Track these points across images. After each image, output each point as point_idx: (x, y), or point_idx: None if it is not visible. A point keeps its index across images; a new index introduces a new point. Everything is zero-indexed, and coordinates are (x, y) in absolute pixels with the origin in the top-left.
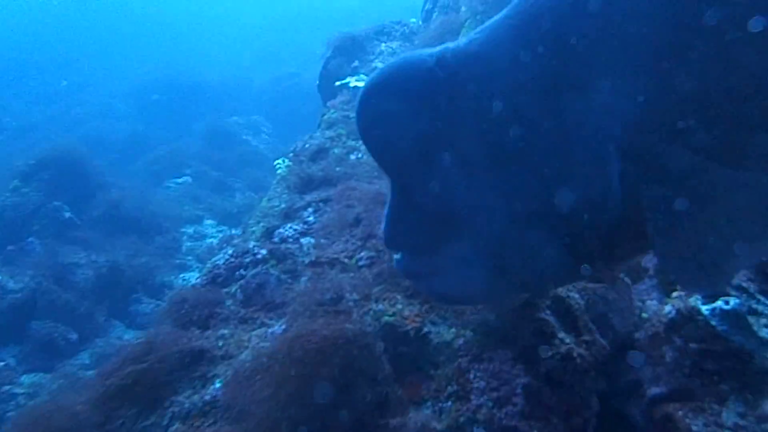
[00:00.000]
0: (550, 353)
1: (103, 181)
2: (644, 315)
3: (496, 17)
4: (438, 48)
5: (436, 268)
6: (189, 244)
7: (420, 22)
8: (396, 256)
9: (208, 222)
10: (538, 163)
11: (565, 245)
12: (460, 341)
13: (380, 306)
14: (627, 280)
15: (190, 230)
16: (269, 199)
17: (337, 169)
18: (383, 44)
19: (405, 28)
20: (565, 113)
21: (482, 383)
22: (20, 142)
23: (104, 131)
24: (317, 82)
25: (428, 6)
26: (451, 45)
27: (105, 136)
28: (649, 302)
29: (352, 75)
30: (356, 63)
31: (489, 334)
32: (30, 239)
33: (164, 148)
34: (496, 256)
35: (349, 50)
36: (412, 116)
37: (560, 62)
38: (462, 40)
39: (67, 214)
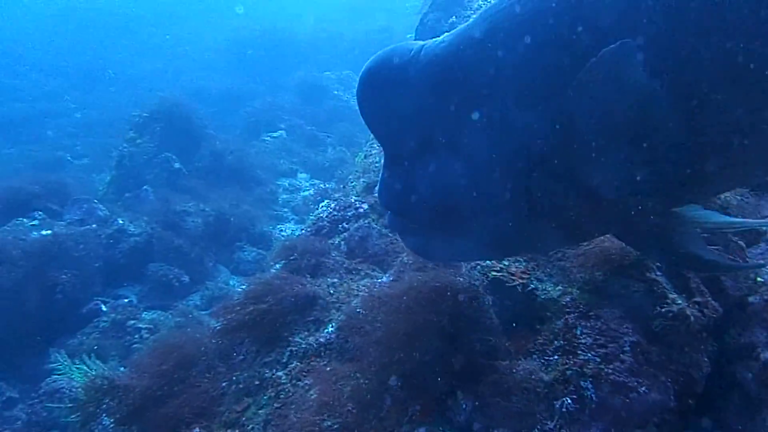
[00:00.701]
0: (660, 312)
1: (207, 133)
2: (759, 279)
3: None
4: (420, 43)
5: (410, 228)
6: (284, 196)
7: None
8: (388, 214)
9: (302, 176)
10: (475, 155)
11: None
12: (567, 298)
13: (487, 261)
14: (741, 243)
15: (285, 183)
16: (366, 156)
17: None
18: None
19: None
20: (492, 122)
21: (589, 339)
22: (129, 93)
23: (204, 84)
24: (408, 35)
25: None
26: (429, 43)
27: (204, 88)
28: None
29: (449, 30)
30: (454, 18)
31: (596, 292)
32: (144, 187)
33: (259, 102)
34: (444, 225)
35: (447, 5)
36: (387, 101)
37: (487, 81)
38: (438, 39)
39: (176, 165)
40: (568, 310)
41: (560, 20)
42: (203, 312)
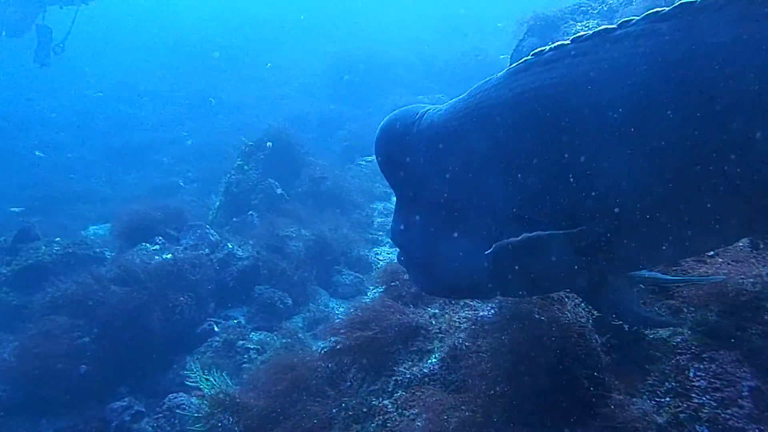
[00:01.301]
0: None
1: (307, 159)
2: None
3: (459, 97)
4: (426, 107)
5: (412, 263)
6: (380, 219)
7: None
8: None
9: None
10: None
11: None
12: (678, 339)
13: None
14: None
15: (380, 206)
16: None
17: None
18: (579, 24)
19: (603, 5)
20: (461, 185)
21: (703, 382)
22: (235, 120)
23: (303, 110)
24: (502, 56)
25: None
26: (430, 109)
27: (304, 114)
28: None
29: None
30: (550, 44)
31: (709, 333)
32: (250, 212)
33: (355, 125)
34: (436, 266)
35: (543, 32)
36: (394, 155)
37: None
38: (438, 107)
39: (279, 190)
40: (679, 351)
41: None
42: (306, 333)
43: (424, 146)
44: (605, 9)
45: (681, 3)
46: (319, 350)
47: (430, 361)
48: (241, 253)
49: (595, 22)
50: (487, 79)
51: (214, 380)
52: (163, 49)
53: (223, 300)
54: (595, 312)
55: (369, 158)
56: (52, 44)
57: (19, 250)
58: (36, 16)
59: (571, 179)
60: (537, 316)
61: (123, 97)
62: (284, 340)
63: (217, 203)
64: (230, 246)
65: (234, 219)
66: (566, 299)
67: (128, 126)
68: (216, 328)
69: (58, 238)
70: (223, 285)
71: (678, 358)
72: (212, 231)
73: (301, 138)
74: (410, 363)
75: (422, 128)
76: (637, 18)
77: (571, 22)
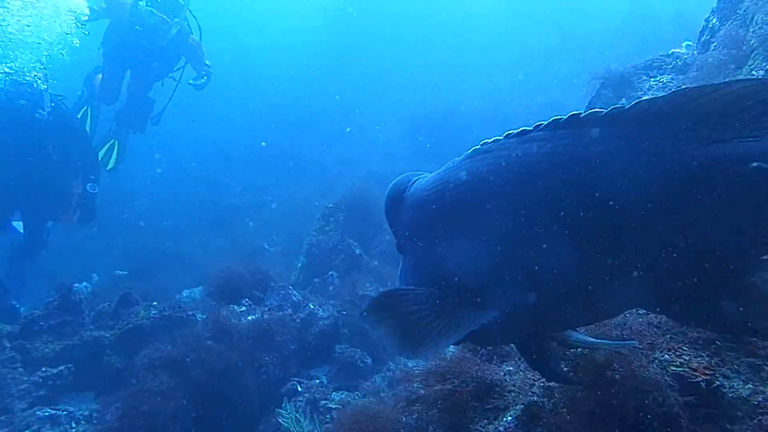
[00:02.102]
0: None
1: (383, 218)
2: None
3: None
4: (420, 176)
5: None
6: None
7: (695, 51)
8: None
9: None
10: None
11: None
12: (759, 398)
13: (666, 356)
14: None
15: None
16: None
17: None
18: (652, 79)
19: (677, 60)
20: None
21: None
22: (317, 182)
23: (381, 170)
24: (578, 111)
25: (706, 36)
26: (423, 176)
27: (382, 174)
28: None
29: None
30: (623, 100)
31: None
32: (331, 272)
33: None
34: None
35: (618, 85)
36: (394, 212)
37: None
38: (427, 175)
39: (357, 251)
40: (761, 410)
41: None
42: (388, 393)
43: (406, 210)
44: (680, 64)
45: (572, 116)
46: (396, 401)
47: (505, 419)
48: (322, 313)
49: (669, 77)
50: (456, 157)
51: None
52: (254, 113)
53: (306, 359)
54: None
55: None
56: (150, 114)
57: (120, 315)
58: (122, 81)
59: (489, 259)
60: (613, 375)
61: (215, 162)
62: (365, 399)
63: (300, 264)
64: (312, 306)
65: (315, 279)
66: (640, 357)
67: (219, 191)
68: (299, 388)
69: (155, 302)
70: (305, 344)
71: (761, 418)
72: (295, 292)
73: (380, 198)
74: (486, 421)
75: (408, 194)
76: (545, 123)
77: (645, 78)
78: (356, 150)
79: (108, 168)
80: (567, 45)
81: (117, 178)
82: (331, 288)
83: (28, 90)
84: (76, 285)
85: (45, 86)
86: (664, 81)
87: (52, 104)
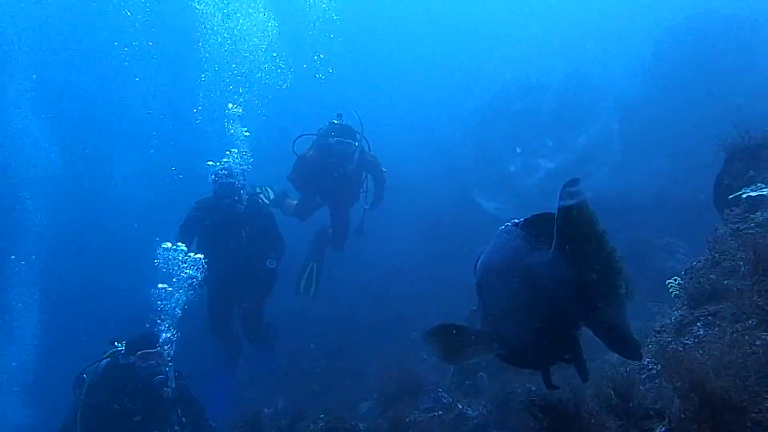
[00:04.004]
0: None
1: None
2: None
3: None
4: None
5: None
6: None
7: None
8: None
9: None
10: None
11: None
12: None
13: None
14: None
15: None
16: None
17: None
18: None
19: None
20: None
21: None
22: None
23: None
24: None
25: None
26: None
27: None
28: None
29: (747, 186)
30: (751, 173)
31: None
32: (480, 374)
33: None
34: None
35: (744, 159)
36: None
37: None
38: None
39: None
40: None
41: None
42: None
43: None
44: None
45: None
46: None
47: None
48: (470, 413)
49: None
50: None
51: None
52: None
53: None
54: None
55: None
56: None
57: (294, 430)
58: (316, 208)
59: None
60: None
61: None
62: None
63: (452, 370)
64: (460, 406)
65: (467, 382)
66: None
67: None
68: None
69: (322, 415)
70: None
71: None
72: (445, 394)
73: None
74: None
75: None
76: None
77: None
78: None
79: (311, 295)
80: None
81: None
82: (481, 388)
83: (230, 190)
84: (265, 410)
85: (243, 184)
86: None
87: (247, 198)
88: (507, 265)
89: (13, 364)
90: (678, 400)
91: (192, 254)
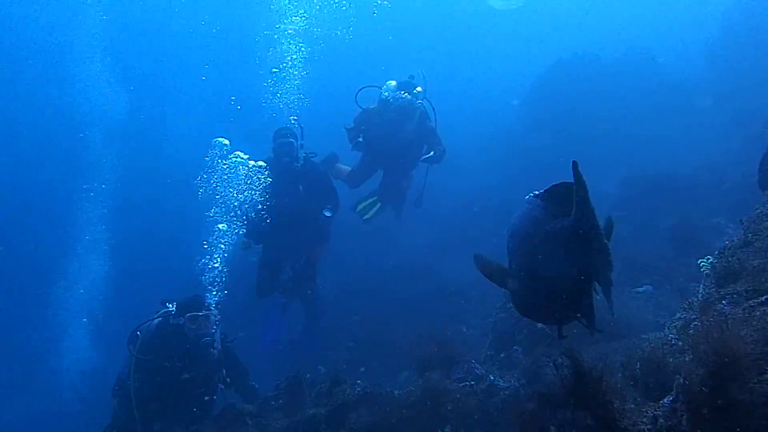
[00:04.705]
0: None
1: None
2: None
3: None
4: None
5: None
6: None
7: None
8: None
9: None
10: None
11: None
12: None
13: None
14: None
15: (653, 337)
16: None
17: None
18: None
19: None
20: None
21: None
22: None
23: None
24: None
25: None
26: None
27: None
28: None
29: None
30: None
31: None
32: (515, 347)
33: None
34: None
35: None
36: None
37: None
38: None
39: (540, 325)
40: None
41: None
42: None
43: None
44: None
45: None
46: None
47: None
48: (502, 384)
49: None
50: None
51: None
52: None
53: (488, 428)
54: None
55: (640, 288)
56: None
57: (332, 393)
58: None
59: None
60: None
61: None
62: None
63: (487, 342)
64: (492, 378)
65: (501, 354)
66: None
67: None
68: None
69: (359, 381)
70: (486, 413)
71: None
72: (478, 366)
73: None
74: None
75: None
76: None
77: None
78: None
79: (364, 218)
80: None
81: None
82: (515, 362)
83: (290, 149)
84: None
85: (302, 143)
86: None
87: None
88: (528, 232)
89: (81, 291)
90: (687, 371)
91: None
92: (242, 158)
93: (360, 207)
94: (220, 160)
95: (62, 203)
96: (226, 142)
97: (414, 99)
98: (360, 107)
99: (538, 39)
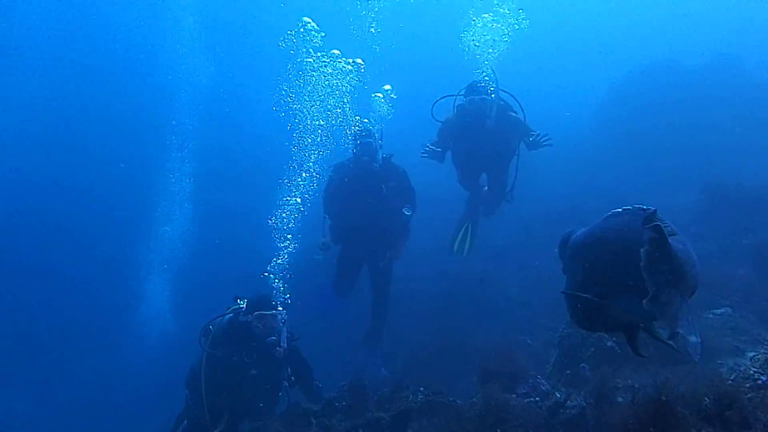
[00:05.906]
0: None
1: None
2: None
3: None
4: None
5: None
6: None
7: None
8: None
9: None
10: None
11: None
12: None
13: None
14: None
15: (730, 362)
16: None
17: None
18: None
19: None
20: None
21: None
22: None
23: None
24: None
25: None
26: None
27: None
28: None
29: None
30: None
31: None
32: (582, 365)
33: (706, 269)
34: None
35: None
36: (561, 253)
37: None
38: (582, 230)
39: (609, 343)
40: None
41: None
42: None
43: (569, 248)
44: None
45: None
46: None
47: None
48: (569, 402)
49: None
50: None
51: None
52: None
53: None
54: None
55: (718, 311)
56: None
57: (395, 398)
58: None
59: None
60: None
61: None
62: None
63: (553, 358)
64: (558, 395)
65: (567, 371)
66: None
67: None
68: None
69: (421, 388)
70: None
71: None
72: (543, 381)
73: None
74: None
75: (570, 239)
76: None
77: None
78: None
79: (464, 254)
80: None
81: None
82: (582, 380)
83: (369, 149)
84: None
85: (380, 143)
86: None
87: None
88: (625, 241)
89: (168, 231)
90: None
91: None
92: None
93: (456, 248)
94: None
95: (150, 165)
96: None
97: (487, 96)
98: (437, 120)
99: (613, 47)
